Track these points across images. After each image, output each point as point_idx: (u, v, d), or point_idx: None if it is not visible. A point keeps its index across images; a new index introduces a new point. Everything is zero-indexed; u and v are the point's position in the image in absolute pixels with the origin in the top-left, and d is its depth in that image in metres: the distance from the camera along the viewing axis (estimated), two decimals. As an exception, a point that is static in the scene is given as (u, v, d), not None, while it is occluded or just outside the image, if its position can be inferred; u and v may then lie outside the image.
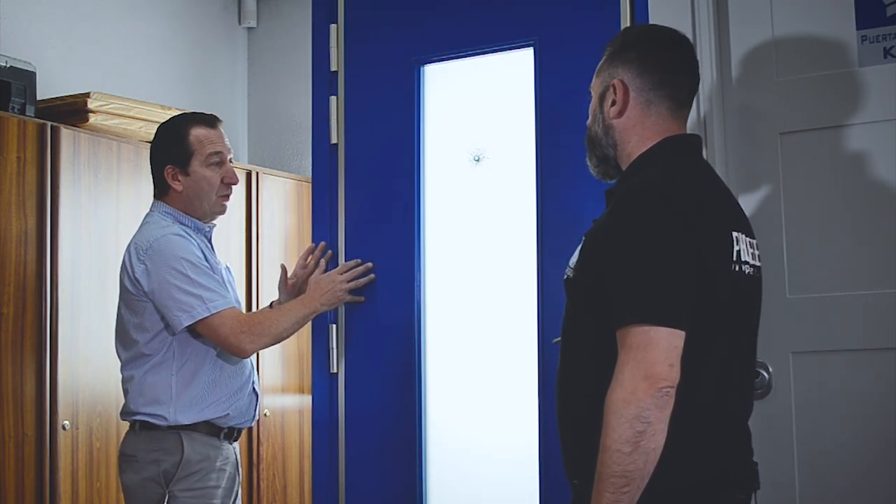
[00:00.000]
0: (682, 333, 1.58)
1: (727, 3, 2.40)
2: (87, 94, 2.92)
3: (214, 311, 2.41)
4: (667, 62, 1.81)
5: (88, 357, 2.70)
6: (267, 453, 4.01)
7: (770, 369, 2.29)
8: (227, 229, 3.90)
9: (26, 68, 2.86)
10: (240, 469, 2.64)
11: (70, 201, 2.71)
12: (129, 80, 3.41)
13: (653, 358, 1.55)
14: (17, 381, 2.54)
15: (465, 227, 2.87)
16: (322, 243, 2.76)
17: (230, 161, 2.61)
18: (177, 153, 2.53)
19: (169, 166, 2.53)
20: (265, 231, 4.10)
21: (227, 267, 2.69)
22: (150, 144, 2.61)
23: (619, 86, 1.81)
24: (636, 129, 1.80)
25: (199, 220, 2.58)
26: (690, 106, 1.86)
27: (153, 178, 2.57)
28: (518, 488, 2.71)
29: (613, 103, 1.82)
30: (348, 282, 2.63)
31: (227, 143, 2.62)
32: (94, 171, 2.84)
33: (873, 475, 2.18)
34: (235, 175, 2.60)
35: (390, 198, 2.92)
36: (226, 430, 2.52)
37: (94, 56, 3.30)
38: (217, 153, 2.55)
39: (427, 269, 2.88)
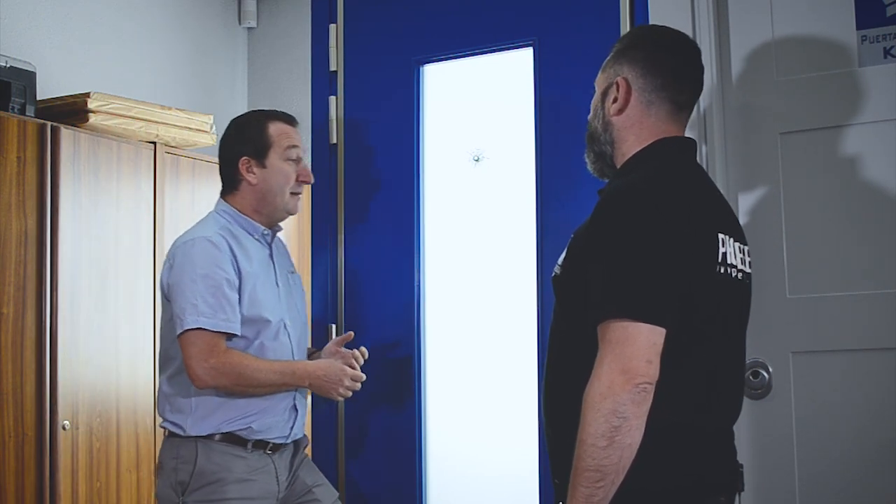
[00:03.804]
0: (663, 331, 1.57)
1: (727, 3, 2.40)
2: (87, 94, 2.91)
3: (194, 326, 2.25)
4: (672, 65, 1.80)
5: (88, 357, 2.69)
6: (267, 453, 4.00)
7: (770, 369, 2.29)
8: (227, 229, 3.90)
9: (26, 68, 2.85)
10: (298, 481, 2.43)
11: (70, 201, 2.70)
12: (129, 80, 3.40)
13: (631, 353, 1.55)
14: (17, 381, 2.54)
15: (465, 227, 2.87)
16: (350, 334, 2.55)
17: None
18: (255, 145, 2.44)
19: (244, 158, 2.43)
20: (265, 231, 4.09)
21: (291, 272, 2.60)
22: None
23: (622, 84, 1.81)
24: (634, 129, 1.80)
25: (269, 216, 2.47)
26: (691, 110, 1.86)
27: (222, 173, 2.47)
28: (518, 487, 2.72)
29: (615, 101, 1.82)
30: (349, 385, 2.40)
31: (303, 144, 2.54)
32: (94, 171, 2.83)
33: (873, 475, 2.18)
34: (311, 174, 2.50)
35: (390, 198, 2.93)
36: (253, 442, 2.34)
37: (94, 56, 3.30)
38: (295, 147, 2.47)
39: (427, 269, 2.89)
